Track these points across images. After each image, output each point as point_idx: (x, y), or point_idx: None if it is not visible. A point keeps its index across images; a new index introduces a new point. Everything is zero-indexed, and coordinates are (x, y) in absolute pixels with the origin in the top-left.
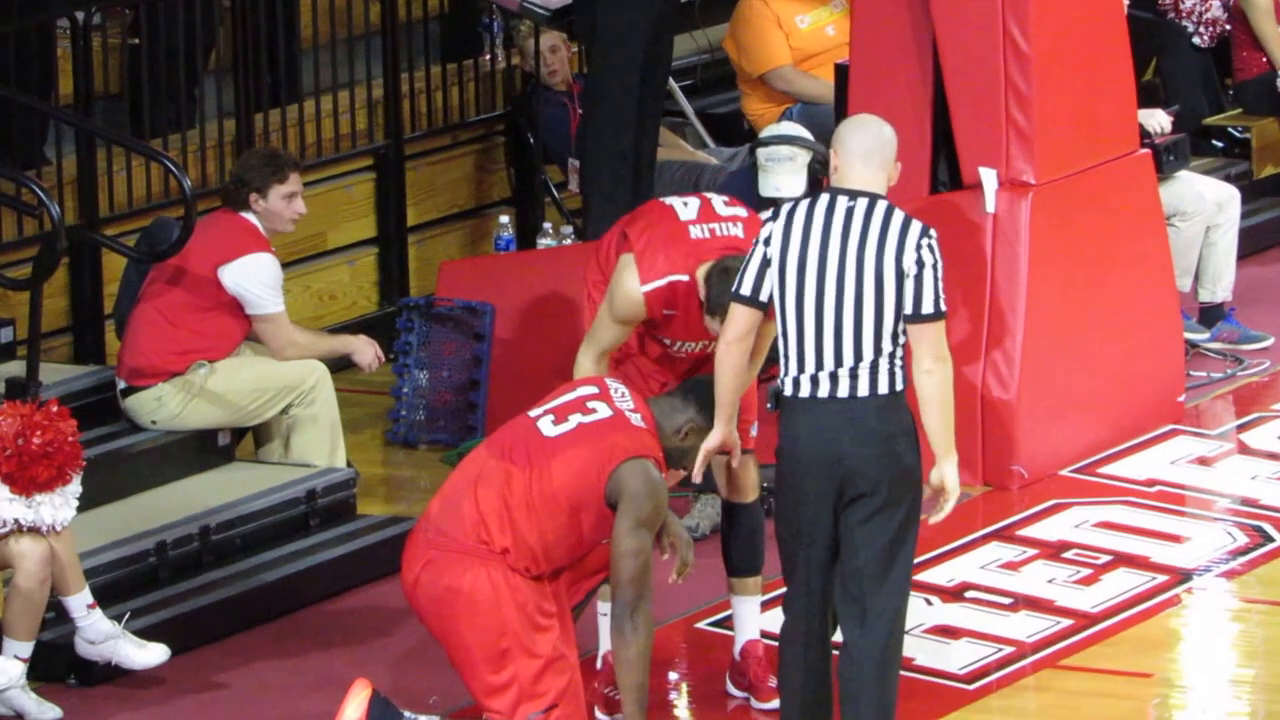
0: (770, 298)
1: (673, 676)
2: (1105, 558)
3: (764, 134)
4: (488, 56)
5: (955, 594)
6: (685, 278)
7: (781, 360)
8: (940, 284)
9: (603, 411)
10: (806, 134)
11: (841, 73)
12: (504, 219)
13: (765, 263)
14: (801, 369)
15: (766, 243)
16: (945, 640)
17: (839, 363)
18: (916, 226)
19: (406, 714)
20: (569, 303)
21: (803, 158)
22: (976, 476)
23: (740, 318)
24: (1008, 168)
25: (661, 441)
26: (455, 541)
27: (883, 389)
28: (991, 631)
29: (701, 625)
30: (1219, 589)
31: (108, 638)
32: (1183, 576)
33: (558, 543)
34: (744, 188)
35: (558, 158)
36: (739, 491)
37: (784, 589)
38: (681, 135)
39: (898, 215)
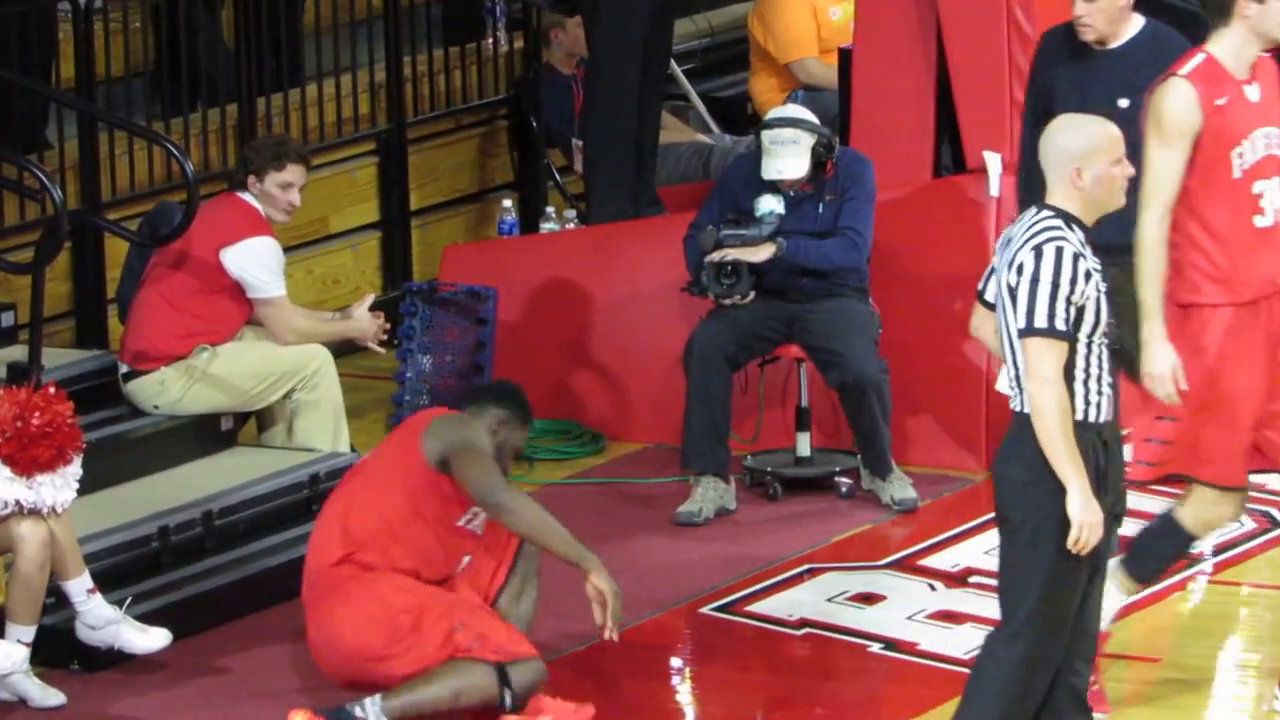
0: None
1: (676, 662)
2: None
3: (768, 117)
4: (490, 40)
5: (959, 579)
6: (1205, 53)
7: None
8: (1039, 299)
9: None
10: (811, 117)
11: (845, 57)
12: (507, 203)
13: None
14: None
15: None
16: (949, 625)
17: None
18: (1033, 238)
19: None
20: (572, 286)
21: (806, 140)
22: (981, 462)
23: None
24: (1012, 151)
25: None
26: (318, 576)
27: (1020, 407)
28: (995, 617)
29: (705, 610)
30: (1226, 574)
31: (108, 623)
32: (1190, 561)
33: (410, 522)
34: (753, 169)
35: (561, 141)
36: None
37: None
38: (684, 119)
39: (1030, 225)
